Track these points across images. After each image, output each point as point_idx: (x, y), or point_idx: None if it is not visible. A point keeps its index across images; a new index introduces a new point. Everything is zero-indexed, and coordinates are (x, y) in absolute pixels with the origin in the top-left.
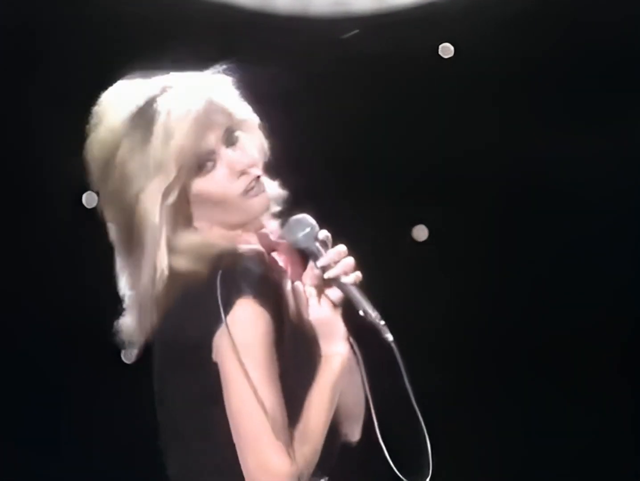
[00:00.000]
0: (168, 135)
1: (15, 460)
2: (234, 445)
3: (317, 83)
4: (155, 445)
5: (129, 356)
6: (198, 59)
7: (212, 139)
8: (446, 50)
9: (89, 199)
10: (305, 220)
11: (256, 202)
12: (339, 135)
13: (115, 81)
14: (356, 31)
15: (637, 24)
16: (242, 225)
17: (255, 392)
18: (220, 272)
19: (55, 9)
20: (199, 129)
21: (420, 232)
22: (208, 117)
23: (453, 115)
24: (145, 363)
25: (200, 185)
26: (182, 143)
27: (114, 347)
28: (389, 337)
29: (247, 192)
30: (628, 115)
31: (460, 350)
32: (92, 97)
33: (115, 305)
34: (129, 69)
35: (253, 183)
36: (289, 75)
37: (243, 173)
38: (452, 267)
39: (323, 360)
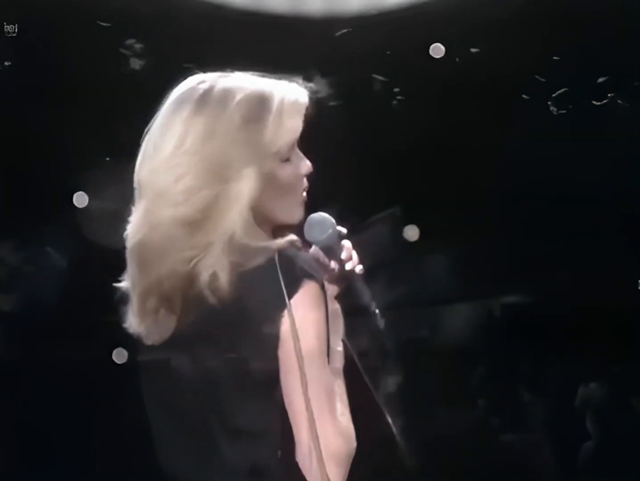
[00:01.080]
0: (281, 122)
1: (7, 459)
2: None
3: (310, 82)
4: (147, 445)
5: (120, 357)
6: (191, 58)
7: (298, 135)
8: (437, 50)
9: (79, 199)
10: (327, 220)
11: (302, 209)
12: (329, 136)
13: (111, 79)
14: (349, 29)
15: (628, 24)
16: (280, 230)
17: (317, 369)
18: (277, 255)
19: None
20: (301, 121)
21: (412, 232)
22: (303, 113)
23: (444, 115)
24: (136, 363)
25: (280, 170)
26: (291, 131)
27: (106, 347)
28: (381, 324)
29: (304, 192)
30: (622, 113)
31: (455, 350)
32: (89, 96)
33: (106, 304)
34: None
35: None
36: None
37: (304, 176)
38: (444, 267)
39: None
